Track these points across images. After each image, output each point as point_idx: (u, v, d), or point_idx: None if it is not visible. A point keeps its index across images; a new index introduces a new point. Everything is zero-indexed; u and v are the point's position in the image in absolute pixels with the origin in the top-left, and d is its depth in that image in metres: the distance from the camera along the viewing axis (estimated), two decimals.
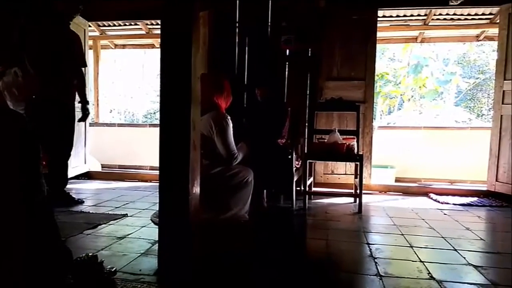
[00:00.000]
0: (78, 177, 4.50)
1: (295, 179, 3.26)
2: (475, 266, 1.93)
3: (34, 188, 1.31)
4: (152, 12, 4.48)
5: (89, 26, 4.79)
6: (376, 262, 1.96)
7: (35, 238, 1.30)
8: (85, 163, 4.64)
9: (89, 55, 5.37)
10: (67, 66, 3.03)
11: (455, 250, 2.19)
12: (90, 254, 1.66)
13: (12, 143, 1.28)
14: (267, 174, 3.09)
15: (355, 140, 3.47)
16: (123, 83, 11.97)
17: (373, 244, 2.29)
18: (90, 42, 5.58)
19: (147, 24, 5.45)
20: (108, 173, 4.83)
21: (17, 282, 1.25)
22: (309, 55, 4.10)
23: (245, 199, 2.57)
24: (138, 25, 5.44)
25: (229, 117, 2.50)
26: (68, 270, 1.47)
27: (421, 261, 1.99)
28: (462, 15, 4.72)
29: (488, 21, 4.79)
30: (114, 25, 5.51)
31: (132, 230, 2.45)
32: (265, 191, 3.27)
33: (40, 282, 1.31)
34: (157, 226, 1.84)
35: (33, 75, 2.73)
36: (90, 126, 4.87)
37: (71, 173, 4.53)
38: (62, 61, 2.98)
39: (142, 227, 2.54)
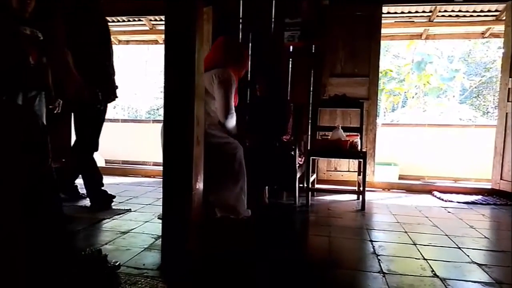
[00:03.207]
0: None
1: (298, 175, 3.26)
2: (479, 264, 1.93)
3: (40, 180, 1.31)
4: (156, 8, 4.47)
5: None
6: (379, 259, 1.95)
7: (38, 230, 1.31)
8: None
9: None
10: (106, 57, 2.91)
11: (459, 248, 2.19)
12: (94, 248, 1.67)
13: (16, 135, 1.29)
14: (270, 170, 3.09)
15: (359, 137, 3.47)
16: (127, 79, 11.97)
17: (376, 241, 2.28)
18: None
19: (150, 20, 5.44)
20: (112, 169, 4.84)
21: (17, 272, 1.26)
22: (313, 51, 4.09)
23: (235, 177, 2.47)
24: (142, 21, 5.44)
25: (234, 77, 2.47)
26: (72, 263, 1.48)
27: (424, 258, 1.98)
28: (467, 11, 4.68)
29: (494, 18, 4.75)
30: (118, 21, 5.51)
31: (136, 225, 2.46)
32: (266, 187, 3.28)
33: (43, 272, 1.32)
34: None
35: (78, 79, 2.64)
36: None
37: None
38: (103, 52, 2.87)
39: (146, 222, 2.55)
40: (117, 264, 1.66)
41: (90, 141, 2.95)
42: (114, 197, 3.09)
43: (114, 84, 3.01)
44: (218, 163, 2.39)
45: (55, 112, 2.80)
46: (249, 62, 2.61)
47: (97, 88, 2.80)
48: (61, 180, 3.10)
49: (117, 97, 3.09)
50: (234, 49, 2.54)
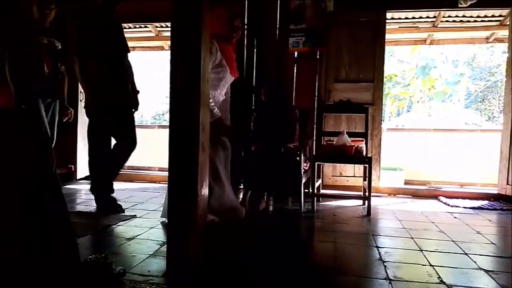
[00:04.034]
0: (87, 178, 4.53)
1: (303, 181, 3.25)
2: (486, 271, 1.91)
3: (40, 187, 1.32)
4: (162, 15, 4.51)
5: None
6: (385, 266, 1.94)
7: (38, 231, 1.32)
8: None
9: None
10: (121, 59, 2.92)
11: (466, 254, 2.17)
12: (100, 254, 1.68)
13: (17, 138, 1.30)
14: (275, 175, 3.09)
15: (364, 142, 3.46)
16: None
17: (382, 247, 2.27)
18: None
19: (156, 27, 5.49)
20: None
21: (17, 271, 1.26)
22: (317, 57, 4.10)
23: (226, 178, 2.52)
24: (148, 27, 5.48)
25: (216, 45, 2.45)
26: (73, 263, 1.48)
27: (431, 265, 1.97)
28: (471, 17, 4.67)
29: (498, 23, 4.74)
30: (124, 28, 5.55)
31: (141, 231, 2.46)
32: (266, 193, 3.27)
33: (42, 272, 1.32)
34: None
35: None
36: None
37: (80, 174, 4.58)
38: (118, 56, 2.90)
39: (151, 228, 2.55)
40: (122, 270, 1.67)
41: (100, 150, 2.97)
42: (123, 211, 2.98)
43: (129, 92, 2.97)
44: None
45: (65, 120, 2.83)
46: (240, 29, 2.63)
47: (106, 97, 2.82)
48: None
49: (138, 104, 3.10)
50: (219, 21, 2.56)
